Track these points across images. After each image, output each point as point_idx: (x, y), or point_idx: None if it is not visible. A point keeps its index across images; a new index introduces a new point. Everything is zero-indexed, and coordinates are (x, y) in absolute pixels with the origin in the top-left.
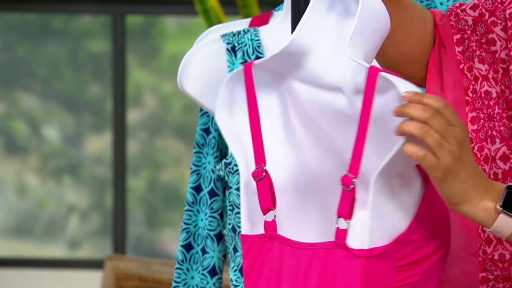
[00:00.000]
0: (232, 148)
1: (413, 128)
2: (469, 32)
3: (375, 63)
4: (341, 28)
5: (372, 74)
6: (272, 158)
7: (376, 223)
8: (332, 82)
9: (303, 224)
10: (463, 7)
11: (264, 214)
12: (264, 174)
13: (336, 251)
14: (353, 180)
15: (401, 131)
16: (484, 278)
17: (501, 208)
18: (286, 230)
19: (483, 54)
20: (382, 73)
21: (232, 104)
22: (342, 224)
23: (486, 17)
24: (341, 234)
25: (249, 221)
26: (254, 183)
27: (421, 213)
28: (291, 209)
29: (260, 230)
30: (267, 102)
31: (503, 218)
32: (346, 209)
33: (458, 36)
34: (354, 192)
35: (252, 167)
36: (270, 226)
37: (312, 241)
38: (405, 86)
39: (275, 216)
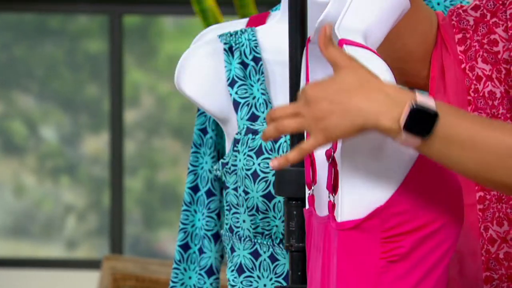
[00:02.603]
0: None
1: (270, 133)
2: (470, 32)
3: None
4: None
5: (339, 46)
6: None
7: (348, 197)
8: None
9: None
10: (464, 7)
11: (308, 189)
12: None
13: (329, 224)
14: (332, 154)
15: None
16: (488, 277)
17: (403, 128)
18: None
19: (485, 54)
20: (345, 46)
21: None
22: (331, 197)
23: (488, 17)
24: (330, 207)
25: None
26: None
27: (409, 185)
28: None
29: (307, 205)
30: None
31: (404, 136)
32: (330, 183)
33: (460, 35)
34: (334, 166)
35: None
36: (311, 200)
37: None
38: (360, 58)
39: (313, 191)
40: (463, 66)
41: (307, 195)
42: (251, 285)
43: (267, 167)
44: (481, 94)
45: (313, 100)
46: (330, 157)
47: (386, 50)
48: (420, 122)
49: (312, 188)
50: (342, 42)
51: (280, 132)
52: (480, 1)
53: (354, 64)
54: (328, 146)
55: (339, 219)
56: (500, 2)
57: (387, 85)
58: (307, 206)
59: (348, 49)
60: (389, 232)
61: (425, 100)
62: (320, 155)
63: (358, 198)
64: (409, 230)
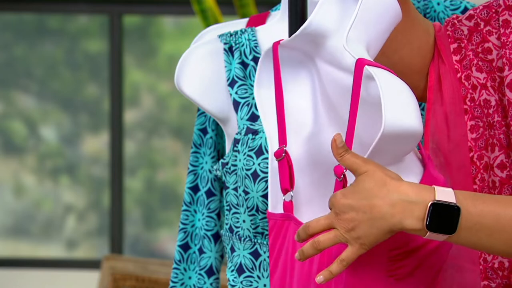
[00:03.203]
0: (263, 124)
1: (310, 250)
2: (465, 41)
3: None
4: (353, 13)
5: (358, 67)
6: (294, 137)
7: None
8: (349, 65)
9: (315, 206)
10: (459, 18)
11: (284, 194)
12: (283, 154)
13: None
14: (344, 171)
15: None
16: (486, 286)
17: (428, 229)
18: (302, 210)
19: (480, 63)
20: (368, 67)
21: (264, 81)
22: None
23: (482, 26)
24: None
25: (273, 199)
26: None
27: None
28: (307, 190)
29: (280, 210)
30: (297, 80)
31: (431, 235)
32: None
33: (455, 45)
34: (345, 183)
35: (276, 146)
36: (288, 206)
37: None
38: (386, 80)
39: (292, 197)
40: (459, 75)
41: (281, 200)
42: (251, 285)
43: (267, 167)
44: (477, 103)
45: (342, 211)
46: (341, 174)
47: (384, 64)
48: (444, 219)
49: (291, 194)
50: (361, 62)
51: (318, 250)
52: (474, 10)
53: (370, 168)
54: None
55: None
56: (493, 10)
57: (405, 184)
58: (271, 209)
59: (371, 69)
60: (396, 251)
61: (445, 194)
62: (298, 160)
63: None
64: (414, 248)
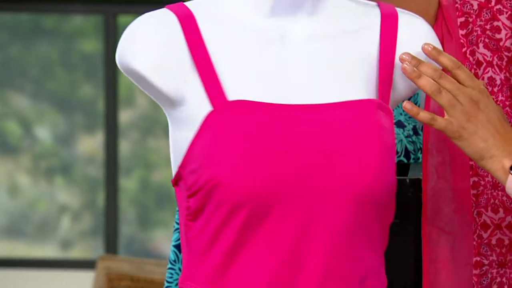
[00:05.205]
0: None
1: (426, 83)
2: (473, 16)
3: None
4: None
5: None
6: None
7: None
8: None
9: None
10: None
11: None
12: None
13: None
14: None
15: (417, 82)
16: (478, 262)
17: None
18: None
19: (487, 40)
20: None
21: None
22: None
23: (493, 3)
24: None
25: None
26: None
27: (197, 143)
28: None
29: None
30: None
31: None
32: None
33: (463, 19)
34: None
35: None
36: None
37: None
38: None
39: None
40: (464, 50)
41: None
42: None
43: None
44: (481, 80)
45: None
46: None
47: None
48: None
49: None
50: None
51: (439, 77)
52: None
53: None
54: None
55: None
56: None
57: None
58: None
59: None
60: (189, 191)
61: None
62: None
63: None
64: (196, 189)
